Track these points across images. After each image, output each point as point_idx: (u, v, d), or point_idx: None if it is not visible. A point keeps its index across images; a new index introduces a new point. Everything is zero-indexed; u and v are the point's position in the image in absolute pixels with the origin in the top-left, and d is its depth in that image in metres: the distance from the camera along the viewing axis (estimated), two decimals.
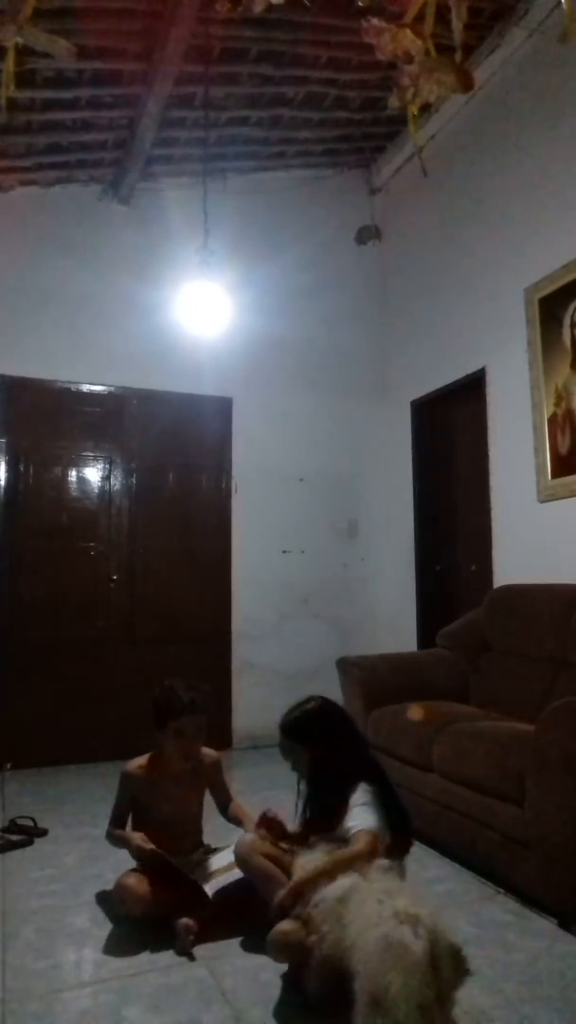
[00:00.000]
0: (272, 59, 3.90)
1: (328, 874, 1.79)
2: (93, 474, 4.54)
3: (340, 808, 2.01)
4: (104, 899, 2.36)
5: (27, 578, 4.29)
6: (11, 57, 1.96)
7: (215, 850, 2.43)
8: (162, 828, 2.35)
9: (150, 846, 2.24)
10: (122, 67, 3.65)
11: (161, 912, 2.14)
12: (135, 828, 2.40)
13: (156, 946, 2.07)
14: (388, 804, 2.03)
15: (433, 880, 2.47)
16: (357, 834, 1.89)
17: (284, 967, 1.89)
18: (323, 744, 2.08)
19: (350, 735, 2.16)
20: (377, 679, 3.40)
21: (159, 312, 4.43)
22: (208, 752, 2.50)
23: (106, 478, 4.57)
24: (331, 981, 1.70)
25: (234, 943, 2.09)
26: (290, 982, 1.85)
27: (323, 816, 2.06)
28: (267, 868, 2.10)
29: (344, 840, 1.94)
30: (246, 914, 2.14)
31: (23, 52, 1.98)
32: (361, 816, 1.93)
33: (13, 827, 3.02)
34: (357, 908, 1.64)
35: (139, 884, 2.18)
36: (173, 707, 2.33)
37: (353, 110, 4.58)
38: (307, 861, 1.92)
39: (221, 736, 4.35)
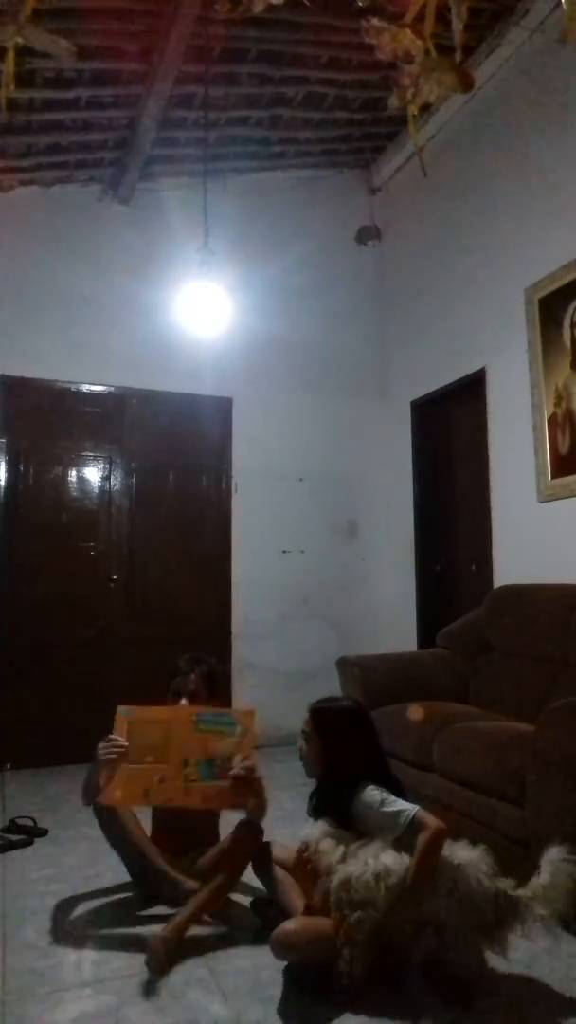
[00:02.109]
0: (272, 59, 3.90)
1: (429, 870, 1.80)
2: (93, 474, 4.54)
3: (341, 807, 2.00)
4: (104, 897, 2.37)
5: (27, 578, 4.28)
6: (11, 57, 1.96)
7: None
8: (174, 814, 2.34)
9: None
10: (122, 67, 3.65)
11: (129, 841, 2.23)
12: (153, 819, 2.43)
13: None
14: None
15: None
16: (418, 818, 1.87)
17: (283, 965, 1.89)
18: (339, 742, 2.08)
19: (370, 747, 2.11)
20: (377, 679, 3.40)
21: (159, 312, 4.43)
22: None
23: (106, 478, 4.57)
24: (378, 960, 1.79)
25: (234, 943, 2.09)
26: (297, 976, 1.86)
27: (323, 811, 2.05)
28: (281, 876, 2.13)
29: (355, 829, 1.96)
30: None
31: (23, 52, 1.98)
32: (400, 804, 1.93)
33: (13, 827, 3.02)
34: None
35: (127, 810, 2.28)
36: (173, 668, 2.52)
37: (353, 110, 4.58)
38: (310, 833, 1.95)
39: None
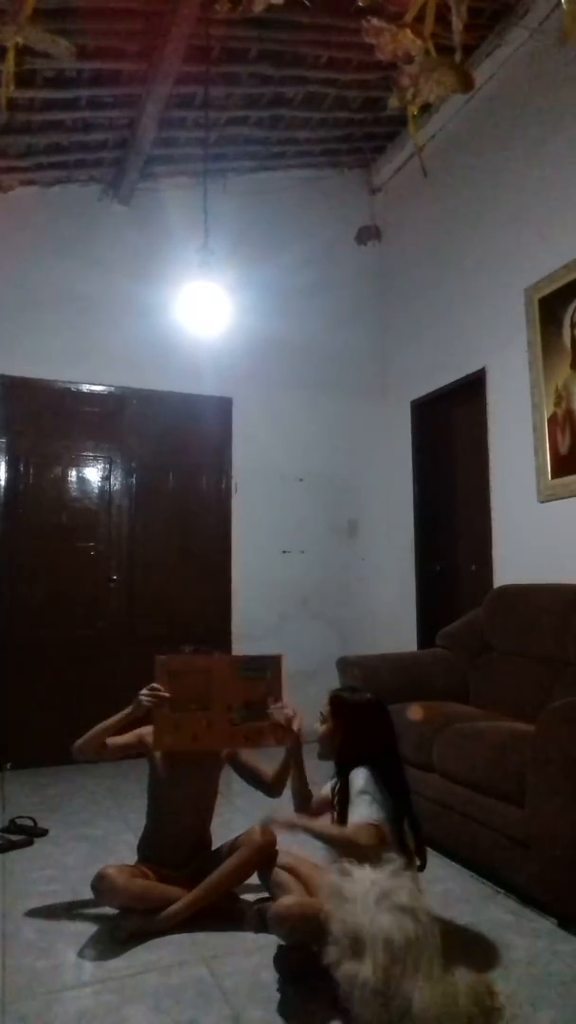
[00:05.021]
0: (272, 59, 3.90)
1: (329, 836, 1.90)
2: (93, 474, 4.54)
3: (345, 792, 2.02)
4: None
5: (27, 578, 4.28)
6: (11, 57, 1.96)
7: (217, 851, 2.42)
8: (176, 811, 2.35)
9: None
10: (122, 67, 3.65)
11: (142, 907, 2.16)
12: (151, 812, 2.40)
13: (156, 946, 2.07)
14: (400, 814, 1.99)
15: (433, 880, 2.46)
16: (358, 825, 1.90)
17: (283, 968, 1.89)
18: (350, 731, 2.08)
19: (382, 743, 2.10)
20: (377, 679, 3.39)
21: (159, 312, 4.43)
22: None
23: (106, 478, 4.57)
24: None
25: (234, 943, 2.09)
26: (290, 969, 1.85)
27: (341, 800, 2.06)
28: (283, 879, 2.13)
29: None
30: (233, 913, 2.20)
31: (23, 52, 1.98)
32: (362, 807, 1.93)
33: (13, 827, 3.02)
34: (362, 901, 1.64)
35: (119, 875, 2.18)
36: None
37: (353, 110, 4.58)
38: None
39: None
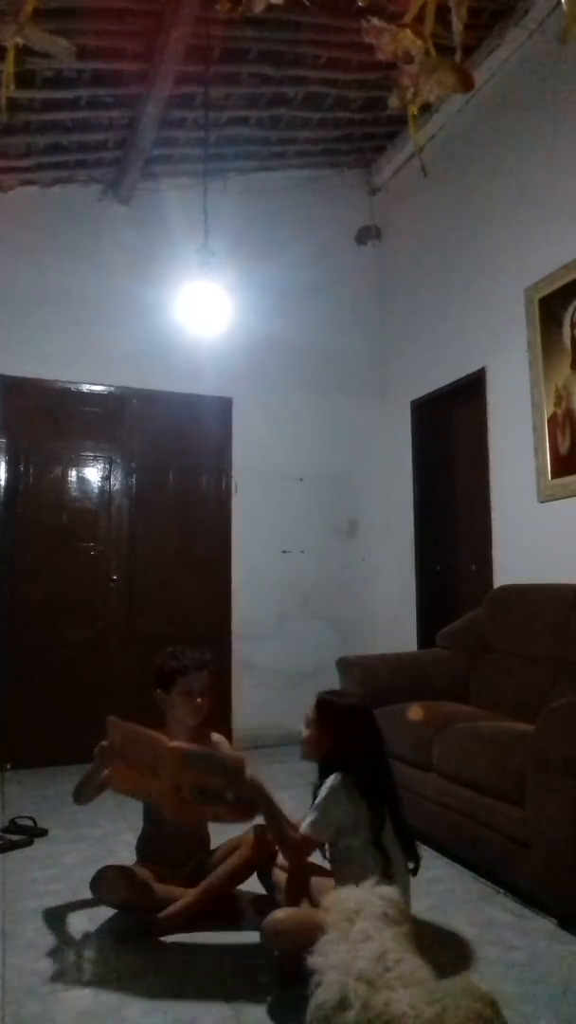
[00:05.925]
0: (272, 59, 3.90)
1: (280, 826, 1.98)
2: (93, 474, 4.54)
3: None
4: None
5: (27, 578, 4.28)
6: (11, 57, 1.96)
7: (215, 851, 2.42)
8: (163, 827, 2.33)
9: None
10: (122, 67, 3.65)
11: (141, 906, 2.16)
12: (148, 813, 2.39)
13: (156, 946, 2.07)
14: (397, 826, 1.97)
15: (433, 880, 2.47)
16: (305, 829, 1.94)
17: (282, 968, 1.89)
18: (335, 735, 2.05)
19: (368, 747, 2.06)
20: (377, 679, 3.39)
21: (159, 312, 4.43)
22: (218, 738, 2.46)
23: (106, 478, 4.57)
24: None
25: (234, 943, 2.09)
26: (286, 974, 1.85)
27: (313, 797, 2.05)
28: (283, 879, 2.13)
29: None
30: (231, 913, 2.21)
31: (23, 52, 1.98)
32: (309, 816, 1.94)
33: (13, 827, 3.02)
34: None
35: (119, 874, 2.20)
36: (180, 665, 2.37)
37: (353, 110, 4.58)
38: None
39: None
